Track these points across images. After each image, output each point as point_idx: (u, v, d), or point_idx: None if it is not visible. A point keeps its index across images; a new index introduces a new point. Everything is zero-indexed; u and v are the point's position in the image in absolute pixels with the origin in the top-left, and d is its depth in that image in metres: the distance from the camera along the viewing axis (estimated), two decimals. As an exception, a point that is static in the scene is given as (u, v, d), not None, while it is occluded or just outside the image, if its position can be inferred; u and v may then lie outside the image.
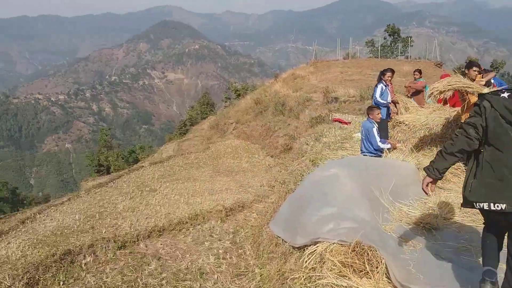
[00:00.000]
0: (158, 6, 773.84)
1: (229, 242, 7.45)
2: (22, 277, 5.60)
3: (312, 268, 4.57)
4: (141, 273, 6.10)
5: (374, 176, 6.70)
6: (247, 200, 10.38)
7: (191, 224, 8.39)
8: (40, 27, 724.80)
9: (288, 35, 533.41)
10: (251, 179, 14.45)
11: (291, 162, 12.45)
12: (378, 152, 8.35)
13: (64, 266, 6.12)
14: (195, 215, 8.82)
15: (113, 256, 6.63)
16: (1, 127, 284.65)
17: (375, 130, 8.24)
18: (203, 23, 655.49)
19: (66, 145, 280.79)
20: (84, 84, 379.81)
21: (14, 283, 5.48)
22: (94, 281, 5.80)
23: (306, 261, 4.75)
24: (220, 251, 7.06)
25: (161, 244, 7.37)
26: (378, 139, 8.20)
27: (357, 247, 4.33)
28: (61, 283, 5.77)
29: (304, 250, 5.12)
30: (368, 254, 4.25)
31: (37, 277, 5.76)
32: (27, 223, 11.67)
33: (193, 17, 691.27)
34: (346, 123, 14.82)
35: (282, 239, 6.12)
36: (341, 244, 4.58)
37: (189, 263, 6.50)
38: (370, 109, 8.65)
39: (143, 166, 18.98)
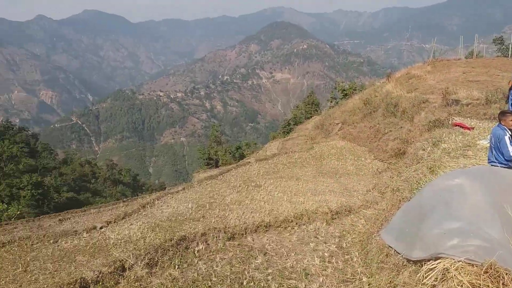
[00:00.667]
0: (271, 8, 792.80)
1: (335, 246, 7.23)
2: (143, 257, 6.14)
3: (432, 285, 4.16)
4: (248, 266, 6.24)
5: (506, 191, 5.86)
6: (354, 205, 9.99)
7: (296, 223, 8.36)
8: (164, 30, 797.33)
9: (402, 32, 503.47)
10: (356, 183, 13.91)
11: (405, 168, 11.62)
12: (510, 163, 7.31)
13: (179, 251, 6.56)
14: (300, 214, 8.77)
15: (223, 246, 6.91)
16: (128, 120, 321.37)
17: (507, 138, 7.19)
18: (313, 23, 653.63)
19: (181, 138, 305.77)
20: (199, 83, 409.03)
21: (137, 262, 6.03)
22: (205, 269, 6.09)
23: (424, 277, 4.35)
24: (326, 254, 6.89)
25: (267, 240, 7.47)
26: (510, 148, 7.18)
27: (490, 269, 3.81)
28: (176, 266, 6.19)
29: (421, 264, 4.69)
30: (504, 278, 3.71)
31: (156, 258, 6.26)
32: (147, 207, 12.88)
33: (304, 17, 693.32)
34: (468, 129, 13.30)
35: (394, 250, 5.71)
36: (468, 263, 4.08)
37: (294, 262, 6.47)
38: (502, 114, 7.56)
39: (249, 162, 19.60)
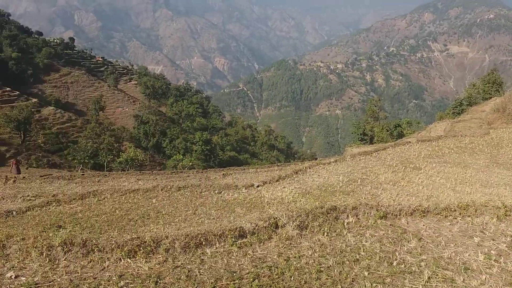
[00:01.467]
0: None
1: (505, 245, 6.29)
2: (295, 219, 6.43)
3: None
4: (400, 248, 5.95)
5: None
6: (538, 204, 8.44)
7: (460, 214, 7.53)
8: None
9: None
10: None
11: None
12: None
13: (329, 220, 6.65)
14: (465, 205, 7.86)
15: (373, 223, 6.73)
16: (288, 89, 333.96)
17: None
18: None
19: (336, 111, 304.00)
20: (361, 54, 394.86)
21: (289, 222, 6.36)
22: (353, 241, 6.05)
23: None
24: (493, 251, 6.06)
25: (423, 225, 6.96)
26: None
27: None
28: (325, 233, 6.31)
29: None
30: None
31: (306, 222, 6.49)
32: (299, 174, 13.33)
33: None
34: None
35: None
36: None
37: (453, 254, 5.89)
38: None
39: (409, 142, 18.31)
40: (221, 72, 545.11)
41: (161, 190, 11.77)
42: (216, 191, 11.51)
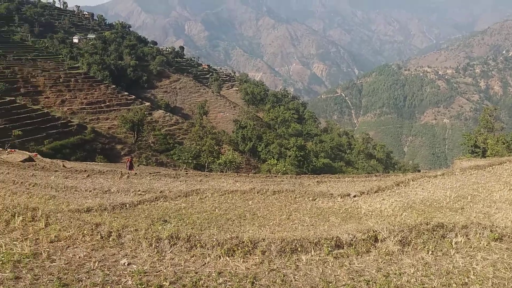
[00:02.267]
0: None
1: None
2: (396, 234, 6.08)
3: None
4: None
5: None
6: None
7: None
8: (441, 1, 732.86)
9: None
10: None
11: None
12: None
13: (435, 238, 6.17)
14: None
15: (486, 245, 6.06)
16: (389, 95, 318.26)
17: None
18: None
19: (444, 120, 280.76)
20: (475, 59, 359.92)
21: (389, 236, 6.04)
22: (462, 263, 5.52)
23: None
24: None
25: (548, 254, 6.05)
26: None
27: None
28: (430, 252, 5.85)
29: None
30: None
31: (409, 238, 6.10)
32: (401, 186, 12.59)
33: None
34: None
35: None
36: None
37: None
38: None
39: (533, 157, 16.14)
40: (319, 78, 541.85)
41: (257, 193, 12.07)
42: (310, 198, 11.44)
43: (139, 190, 13.94)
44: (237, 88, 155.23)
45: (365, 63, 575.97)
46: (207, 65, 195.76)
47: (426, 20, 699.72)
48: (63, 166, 24.67)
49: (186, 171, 30.31)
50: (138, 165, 46.36)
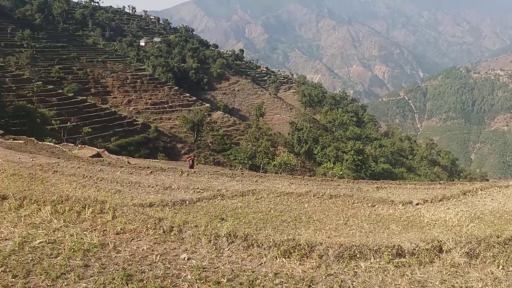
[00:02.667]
0: None
1: None
2: (463, 245, 5.72)
3: None
4: None
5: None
6: None
7: None
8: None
9: None
10: None
11: None
12: None
13: (506, 252, 5.72)
14: None
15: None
16: (456, 99, 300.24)
17: None
18: None
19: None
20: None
21: (455, 247, 5.70)
22: (537, 281, 5.07)
23: None
24: None
25: None
26: None
27: None
28: (500, 266, 5.44)
29: None
30: None
31: (477, 251, 5.71)
32: (468, 196, 11.81)
33: None
34: None
35: None
36: None
37: None
38: None
39: None
40: (380, 80, 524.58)
41: (313, 196, 11.93)
42: (369, 204, 11.08)
43: (197, 188, 14.34)
44: (294, 90, 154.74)
45: (430, 65, 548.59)
46: (266, 68, 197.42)
47: (500, 20, 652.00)
48: (128, 162, 26.07)
49: (242, 171, 30.77)
50: (197, 164, 47.84)
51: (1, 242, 5.66)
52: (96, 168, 19.16)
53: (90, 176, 16.25)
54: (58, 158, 23.51)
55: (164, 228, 6.23)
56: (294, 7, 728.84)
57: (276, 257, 5.60)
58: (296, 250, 5.68)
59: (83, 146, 37.46)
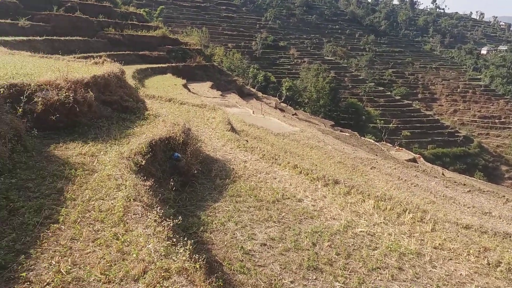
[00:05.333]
0: None
1: None
2: None
3: None
4: None
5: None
6: None
7: None
8: None
9: None
10: None
11: None
12: None
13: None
14: None
15: None
16: None
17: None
18: None
19: None
20: None
21: None
22: None
23: None
24: None
25: None
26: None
27: None
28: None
29: None
30: None
31: None
32: None
33: None
34: None
35: None
36: None
37: None
38: None
39: None
40: None
41: None
42: None
43: None
44: None
45: None
46: None
47: None
48: (443, 174, 24.74)
49: None
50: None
51: (331, 220, 6.53)
52: (411, 173, 19.20)
53: (405, 180, 16.45)
54: (376, 155, 25.06)
55: (490, 261, 5.47)
56: None
57: None
58: None
59: (400, 148, 38.26)
